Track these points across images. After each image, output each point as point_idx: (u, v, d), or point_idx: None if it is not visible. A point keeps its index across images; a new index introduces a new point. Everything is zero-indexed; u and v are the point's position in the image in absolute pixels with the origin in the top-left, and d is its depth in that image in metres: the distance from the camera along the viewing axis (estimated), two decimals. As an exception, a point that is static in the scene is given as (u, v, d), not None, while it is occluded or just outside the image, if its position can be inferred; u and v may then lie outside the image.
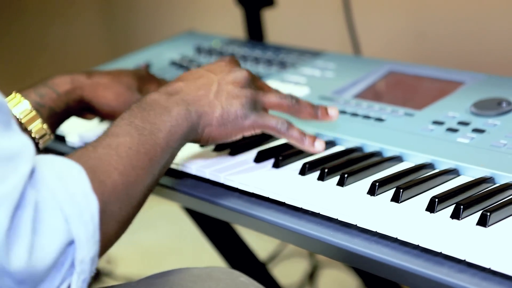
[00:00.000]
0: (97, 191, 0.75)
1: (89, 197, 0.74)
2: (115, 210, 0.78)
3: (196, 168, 1.04)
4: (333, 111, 1.04)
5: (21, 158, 0.69)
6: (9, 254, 0.66)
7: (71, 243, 0.71)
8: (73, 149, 1.23)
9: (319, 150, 1.00)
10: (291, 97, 1.02)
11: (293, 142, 1.00)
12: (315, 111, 1.03)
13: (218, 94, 0.96)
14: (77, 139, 1.22)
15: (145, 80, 1.18)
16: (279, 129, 0.99)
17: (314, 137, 1.00)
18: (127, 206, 0.81)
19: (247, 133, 0.99)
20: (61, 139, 1.24)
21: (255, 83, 1.01)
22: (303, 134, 0.99)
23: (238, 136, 0.99)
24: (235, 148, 1.07)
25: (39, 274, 0.68)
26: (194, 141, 0.97)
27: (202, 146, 1.08)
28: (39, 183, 0.71)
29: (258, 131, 0.99)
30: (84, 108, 1.13)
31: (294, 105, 1.01)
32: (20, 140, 0.71)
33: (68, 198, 0.72)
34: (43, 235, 0.69)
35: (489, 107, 1.08)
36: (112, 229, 0.78)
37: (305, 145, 0.99)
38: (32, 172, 0.71)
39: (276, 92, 1.02)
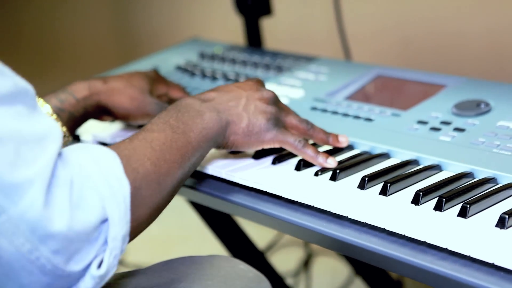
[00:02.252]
0: (130, 177, 0.75)
1: (122, 180, 0.74)
2: (146, 195, 0.78)
3: (200, 165, 1.04)
4: (343, 139, 1.05)
5: (48, 139, 0.69)
6: (51, 223, 0.66)
7: (104, 221, 0.71)
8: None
9: (332, 167, 0.99)
10: (308, 122, 1.03)
11: (307, 159, 0.99)
12: (327, 138, 1.04)
13: (246, 108, 0.97)
14: (91, 138, 1.22)
15: (155, 81, 1.19)
16: (296, 146, 0.99)
17: (327, 155, 1.00)
18: (157, 194, 0.81)
19: (267, 146, 0.99)
20: (78, 139, 1.25)
21: (278, 103, 1.01)
22: (317, 152, 0.99)
23: (259, 147, 0.99)
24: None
25: (74, 245, 0.68)
26: (220, 146, 0.97)
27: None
28: (75, 164, 0.71)
29: (277, 145, 0.99)
30: (101, 112, 1.14)
31: (310, 129, 1.02)
32: (47, 122, 0.71)
33: (103, 179, 0.72)
34: (81, 210, 0.69)
35: (469, 108, 1.08)
36: (142, 213, 0.78)
37: (319, 162, 0.99)
38: (60, 153, 0.71)
39: (296, 115, 1.03)
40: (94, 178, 0.72)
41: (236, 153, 1.06)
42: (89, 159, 0.73)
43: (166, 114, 0.90)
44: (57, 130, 0.71)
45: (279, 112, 1.00)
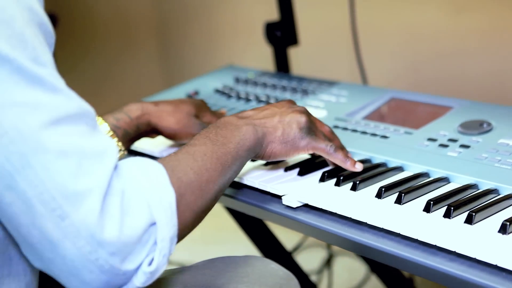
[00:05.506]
0: (175, 185, 0.76)
1: (167, 188, 0.74)
2: (190, 201, 0.78)
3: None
4: (358, 166, 1.00)
5: (107, 154, 0.70)
6: (103, 231, 0.67)
7: (153, 224, 0.71)
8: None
9: (359, 170, 0.99)
10: (336, 136, 1.02)
11: (338, 162, 0.99)
12: (346, 153, 1.01)
13: (281, 119, 0.96)
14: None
15: (201, 108, 1.18)
16: (328, 151, 0.98)
17: (355, 161, 1.00)
18: (200, 199, 0.80)
19: (302, 153, 0.98)
20: (132, 152, 1.26)
21: (310, 116, 1.00)
22: (347, 156, 0.99)
23: (295, 155, 0.97)
24: (272, 162, 1.07)
25: (128, 247, 0.69)
26: (258, 155, 0.95)
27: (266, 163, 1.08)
28: (127, 176, 0.72)
29: (310, 152, 0.98)
30: (151, 130, 1.15)
31: (337, 141, 1.02)
32: (106, 140, 0.72)
33: (150, 188, 0.72)
34: (130, 216, 0.70)
35: (473, 127, 1.08)
36: (188, 217, 0.78)
37: (347, 166, 0.99)
38: (116, 166, 0.72)
39: (327, 127, 1.03)
40: (143, 188, 0.72)
41: (268, 164, 1.06)
42: (139, 171, 0.74)
43: (206, 130, 0.90)
44: (114, 147, 0.72)
45: (311, 123, 0.98)
